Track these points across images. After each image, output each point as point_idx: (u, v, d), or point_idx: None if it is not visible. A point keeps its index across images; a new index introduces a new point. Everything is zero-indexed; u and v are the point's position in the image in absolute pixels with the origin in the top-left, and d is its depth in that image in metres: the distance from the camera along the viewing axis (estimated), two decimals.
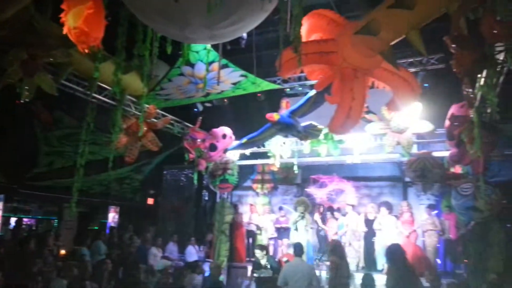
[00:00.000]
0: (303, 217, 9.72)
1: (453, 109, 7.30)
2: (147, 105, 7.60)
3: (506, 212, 7.78)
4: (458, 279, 8.37)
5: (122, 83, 4.94)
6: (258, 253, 6.92)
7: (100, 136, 7.64)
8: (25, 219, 9.83)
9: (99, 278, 6.10)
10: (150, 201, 11.95)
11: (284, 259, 7.37)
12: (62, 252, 7.91)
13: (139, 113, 7.79)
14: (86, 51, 4.17)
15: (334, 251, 6.56)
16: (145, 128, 7.52)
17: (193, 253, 9.88)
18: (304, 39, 4.75)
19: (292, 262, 6.15)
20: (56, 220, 9.89)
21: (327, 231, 10.23)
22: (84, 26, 4.05)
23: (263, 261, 6.78)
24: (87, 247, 8.00)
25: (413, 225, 9.48)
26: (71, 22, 4.09)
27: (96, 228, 10.43)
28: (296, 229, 9.81)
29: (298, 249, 6.14)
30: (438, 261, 9.84)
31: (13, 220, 9.43)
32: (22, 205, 9.44)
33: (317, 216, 10.51)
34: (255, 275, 6.82)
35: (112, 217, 11.34)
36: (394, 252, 4.98)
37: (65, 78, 6.24)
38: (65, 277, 5.13)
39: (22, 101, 5.23)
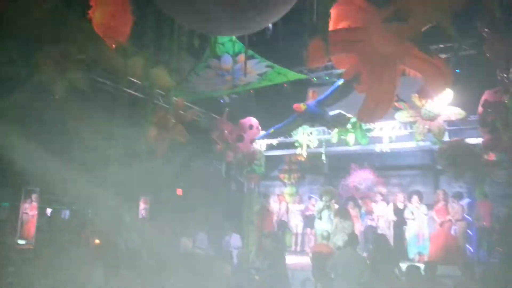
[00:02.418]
0: (328, 206, 9.70)
1: (486, 95, 7.14)
2: (175, 98, 7.70)
3: None
4: (492, 268, 8.18)
5: (151, 77, 5.04)
6: (265, 241, 6.62)
7: (130, 130, 7.81)
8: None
9: (134, 267, 6.28)
10: (179, 192, 12.16)
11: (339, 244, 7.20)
12: (96, 241, 8.20)
13: (167, 106, 7.91)
14: (114, 46, 4.26)
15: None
16: (174, 121, 7.64)
17: (236, 239, 9.93)
18: (332, 28, 4.70)
19: (344, 251, 6.10)
20: (90, 212, 10.24)
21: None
22: (111, 21, 4.15)
23: (269, 249, 6.41)
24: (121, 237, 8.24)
25: (447, 214, 9.31)
26: (98, 17, 4.19)
27: (128, 219, 10.71)
28: (320, 218, 9.81)
29: (352, 239, 6.11)
30: (471, 249, 9.67)
31: (49, 211, 9.85)
32: (58, 197, 9.81)
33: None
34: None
35: (143, 208, 11.62)
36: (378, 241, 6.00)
37: (96, 73, 6.40)
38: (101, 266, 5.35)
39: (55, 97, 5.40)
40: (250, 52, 6.68)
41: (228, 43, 6.60)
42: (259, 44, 7.62)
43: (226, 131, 9.06)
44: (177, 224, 9.89)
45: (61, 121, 6.86)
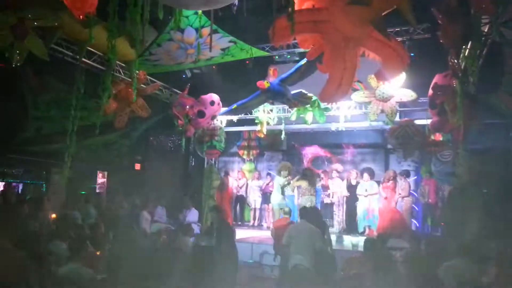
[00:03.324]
0: (289, 182, 9.91)
1: (436, 79, 7.49)
2: (137, 71, 7.57)
3: (483, 178, 8.18)
4: (435, 241, 8.82)
5: (113, 48, 4.92)
6: (214, 215, 6.36)
7: (89, 101, 7.60)
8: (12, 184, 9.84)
9: (93, 241, 6.24)
10: (137, 166, 12.06)
11: (287, 221, 7.37)
12: (53, 216, 8.00)
13: (128, 79, 7.76)
14: (81, 17, 4.13)
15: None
16: (135, 94, 7.50)
17: (194, 214, 10.02)
18: (297, 7, 4.79)
19: (297, 223, 6.35)
20: (44, 185, 9.93)
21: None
22: None
23: (216, 225, 6.20)
24: (78, 211, 8.12)
25: (395, 191, 9.84)
26: None
27: (84, 192, 10.52)
28: (283, 193, 10.01)
29: (303, 212, 6.30)
30: (417, 224, 10.36)
31: (1, 185, 9.44)
32: (10, 169, 9.42)
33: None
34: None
35: (100, 182, 11.43)
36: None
37: (54, 42, 6.14)
38: (63, 240, 5.28)
39: (13, 65, 5.16)
40: (214, 26, 6.65)
41: (192, 16, 6.54)
42: (224, 19, 7.62)
43: (187, 106, 9.00)
44: (136, 198, 9.84)
45: (17, 89, 6.56)
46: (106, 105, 7.06)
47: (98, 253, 5.98)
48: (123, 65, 7.74)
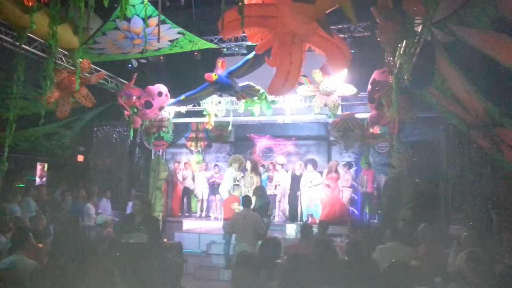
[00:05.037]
0: (243, 176, 10.04)
1: (374, 75, 7.97)
2: (80, 59, 7.34)
3: (416, 168, 8.82)
4: (372, 228, 9.40)
5: (55, 35, 4.80)
6: (137, 204, 5.02)
7: (29, 90, 7.28)
8: None
9: (35, 234, 6.06)
10: (80, 158, 11.67)
11: (235, 206, 7.64)
12: None
13: (71, 67, 7.50)
14: (25, 2, 3.99)
15: None
16: (78, 83, 7.28)
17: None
18: (246, 1, 4.92)
19: (240, 212, 6.58)
20: None
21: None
22: None
23: (139, 218, 4.96)
24: (17, 204, 7.79)
25: (337, 181, 10.32)
26: None
27: (22, 185, 10.04)
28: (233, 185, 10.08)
29: (246, 200, 6.54)
30: (355, 211, 10.95)
31: None
32: None
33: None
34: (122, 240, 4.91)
35: (40, 174, 10.95)
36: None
37: None
38: (4, 233, 5.10)
39: None
40: (162, 17, 6.61)
41: (139, 5, 6.44)
42: (171, 9, 7.58)
43: (134, 97, 8.84)
44: (79, 190, 9.59)
45: None
46: (48, 94, 6.80)
47: (40, 245, 5.83)
48: (66, 53, 7.47)
